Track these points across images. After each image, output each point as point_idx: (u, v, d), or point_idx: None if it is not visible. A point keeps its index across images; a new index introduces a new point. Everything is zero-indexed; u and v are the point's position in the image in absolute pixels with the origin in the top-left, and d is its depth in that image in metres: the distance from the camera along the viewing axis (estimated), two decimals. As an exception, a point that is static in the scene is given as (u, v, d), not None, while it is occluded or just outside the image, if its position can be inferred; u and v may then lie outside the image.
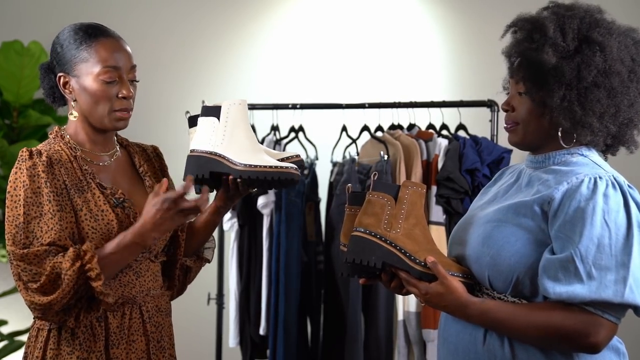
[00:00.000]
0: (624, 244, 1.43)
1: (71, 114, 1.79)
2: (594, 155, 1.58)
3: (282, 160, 1.82)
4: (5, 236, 1.68)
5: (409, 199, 1.61)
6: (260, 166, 1.71)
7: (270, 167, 1.71)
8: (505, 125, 1.64)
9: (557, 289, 1.44)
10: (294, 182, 1.73)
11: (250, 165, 1.72)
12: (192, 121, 1.86)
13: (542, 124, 1.57)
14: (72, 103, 1.78)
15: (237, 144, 1.76)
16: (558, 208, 1.48)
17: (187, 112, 1.87)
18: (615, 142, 1.59)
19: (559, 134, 1.56)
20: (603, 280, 1.42)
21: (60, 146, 1.77)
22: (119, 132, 1.91)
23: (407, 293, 1.65)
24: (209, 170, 1.77)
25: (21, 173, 1.68)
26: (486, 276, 1.55)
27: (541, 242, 1.51)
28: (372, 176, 1.64)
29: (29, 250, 1.63)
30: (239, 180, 1.74)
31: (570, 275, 1.43)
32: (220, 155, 1.76)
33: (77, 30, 1.77)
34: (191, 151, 1.80)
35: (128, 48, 1.80)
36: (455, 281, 1.55)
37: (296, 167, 1.74)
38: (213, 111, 1.79)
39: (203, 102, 1.82)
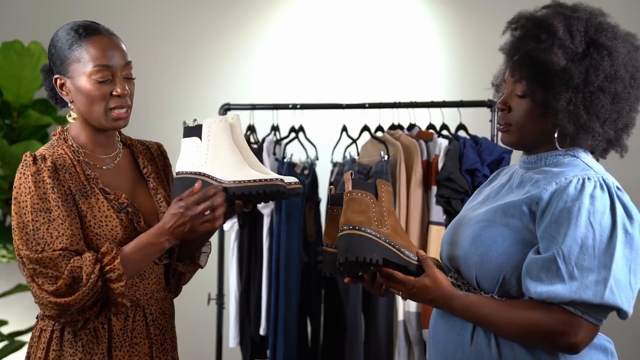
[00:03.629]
0: (607, 246, 1.43)
1: (69, 115, 1.78)
2: (586, 157, 1.57)
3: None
4: (17, 242, 1.67)
5: (385, 197, 1.61)
6: (244, 181, 1.68)
7: (255, 180, 1.68)
8: (498, 125, 1.63)
9: (539, 288, 1.44)
10: (280, 194, 1.70)
11: (235, 182, 1.69)
12: (187, 132, 1.83)
13: (540, 125, 1.57)
14: (70, 105, 1.77)
15: (221, 162, 1.73)
16: (545, 208, 1.49)
17: (184, 122, 1.84)
18: (608, 146, 1.59)
19: (555, 135, 1.56)
20: (584, 281, 1.42)
21: (64, 149, 1.76)
22: (122, 132, 1.90)
23: (386, 294, 1.66)
24: None
25: (25, 179, 1.67)
26: (474, 276, 1.56)
27: (528, 242, 1.51)
28: (349, 174, 1.62)
29: (43, 254, 1.63)
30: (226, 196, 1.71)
31: (552, 275, 1.43)
32: (205, 175, 1.74)
33: (69, 31, 1.76)
34: (177, 173, 1.79)
35: (122, 45, 1.78)
36: (440, 274, 1.56)
37: (282, 179, 1.70)
38: (195, 131, 1.77)
39: (184, 123, 1.79)
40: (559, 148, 1.57)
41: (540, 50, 1.52)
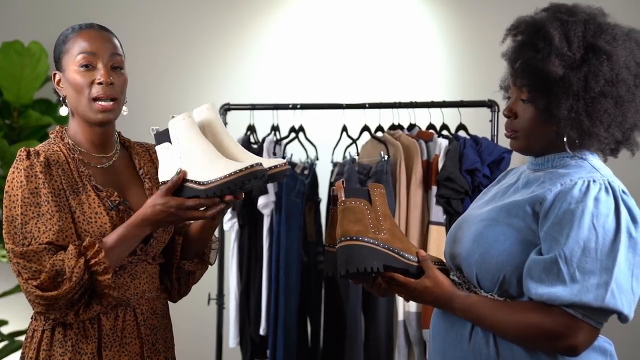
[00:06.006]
0: (610, 249, 1.42)
1: (61, 108, 1.80)
2: (594, 159, 1.57)
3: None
4: (4, 235, 1.68)
5: (379, 200, 1.60)
6: (221, 178, 1.60)
7: (230, 174, 1.59)
8: (506, 133, 1.62)
9: (539, 289, 1.44)
10: (260, 179, 1.61)
11: (209, 182, 1.61)
12: (157, 138, 1.75)
13: (546, 131, 1.55)
14: (65, 100, 1.79)
15: (196, 163, 1.66)
16: (549, 209, 1.48)
17: (152, 128, 1.75)
18: (618, 146, 1.57)
19: (565, 139, 1.54)
20: (585, 284, 1.41)
21: (59, 147, 1.77)
22: (122, 133, 1.90)
23: (386, 294, 1.66)
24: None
25: (18, 173, 1.68)
26: (474, 274, 1.56)
27: (529, 243, 1.50)
28: (341, 183, 1.59)
29: (28, 248, 1.63)
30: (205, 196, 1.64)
31: (553, 276, 1.43)
32: (185, 180, 1.66)
33: (67, 29, 1.79)
34: (161, 183, 1.72)
35: (113, 39, 1.78)
36: (440, 274, 1.57)
37: (259, 163, 1.61)
38: (164, 136, 1.70)
39: (152, 130, 1.73)
40: (569, 152, 1.55)
41: (537, 59, 1.51)
